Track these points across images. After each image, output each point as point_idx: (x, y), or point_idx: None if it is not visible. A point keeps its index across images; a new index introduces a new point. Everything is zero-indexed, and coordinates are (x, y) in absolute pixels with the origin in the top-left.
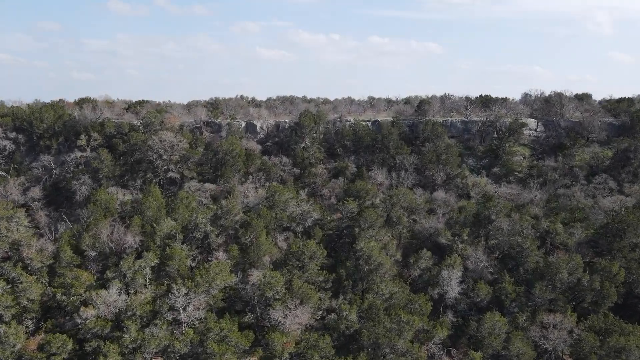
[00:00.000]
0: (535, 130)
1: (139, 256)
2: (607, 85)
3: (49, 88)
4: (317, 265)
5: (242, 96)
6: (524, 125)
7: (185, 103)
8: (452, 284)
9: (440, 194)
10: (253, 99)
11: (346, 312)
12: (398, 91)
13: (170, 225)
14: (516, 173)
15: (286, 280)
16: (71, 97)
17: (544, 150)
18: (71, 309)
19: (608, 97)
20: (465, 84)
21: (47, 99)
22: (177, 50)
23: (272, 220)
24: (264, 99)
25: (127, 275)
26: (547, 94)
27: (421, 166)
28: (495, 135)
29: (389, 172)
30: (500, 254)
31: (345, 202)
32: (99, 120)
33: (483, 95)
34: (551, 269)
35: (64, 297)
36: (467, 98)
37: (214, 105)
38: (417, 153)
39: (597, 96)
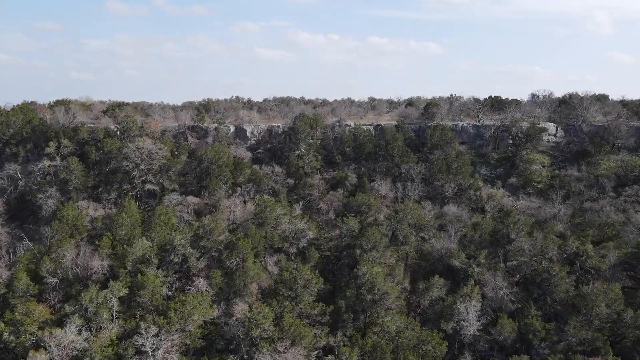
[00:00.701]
0: (555, 135)
1: (105, 284)
2: (607, 85)
3: (49, 88)
4: (312, 295)
5: (237, 97)
6: (543, 130)
7: (180, 104)
8: (470, 318)
9: (451, 208)
10: (249, 100)
11: (346, 356)
12: (398, 91)
13: (145, 246)
14: (535, 184)
15: (276, 315)
16: (71, 98)
17: (565, 157)
18: (20, 352)
19: (620, 98)
20: (465, 84)
21: (46, 99)
22: (177, 50)
23: (262, 240)
24: (269, 98)
25: (89, 309)
26: (555, 94)
27: (429, 176)
28: (511, 141)
29: (393, 183)
30: (522, 278)
31: (345, 218)
32: (72, 125)
33: (493, 96)
34: (586, 302)
35: (12, 337)
36: (476, 100)
37: (205, 107)
38: (424, 161)
39: None
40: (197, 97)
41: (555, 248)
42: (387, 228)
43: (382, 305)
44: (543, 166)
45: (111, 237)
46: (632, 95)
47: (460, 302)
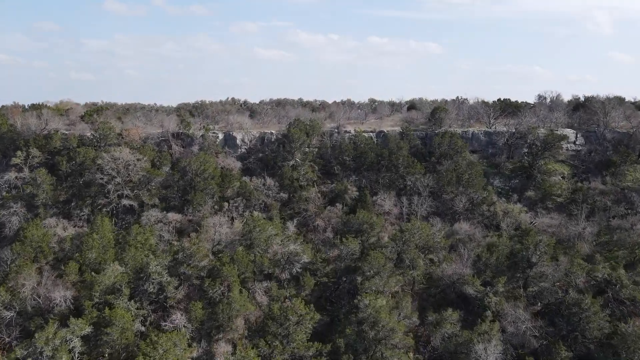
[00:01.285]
0: (574, 143)
1: (70, 318)
2: (607, 85)
3: (48, 88)
4: (306, 333)
5: (233, 99)
6: (563, 137)
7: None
8: None
9: (463, 226)
10: (245, 102)
11: None
12: (398, 91)
13: (116, 273)
14: (555, 197)
15: (264, 357)
16: (70, 98)
17: (587, 168)
18: None
19: (633, 100)
20: (465, 84)
21: (46, 100)
22: (176, 51)
23: (250, 265)
24: (267, 99)
25: (45, 352)
26: (563, 96)
27: (438, 189)
28: (526, 150)
29: (398, 197)
30: (544, 307)
31: (345, 239)
32: (44, 132)
33: (502, 99)
34: (626, 343)
35: None
36: (485, 102)
37: (199, 110)
38: (432, 172)
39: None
40: (197, 98)
41: (583, 275)
42: (391, 251)
43: (387, 344)
44: (563, 177)
45: (81, 261)
46: (634, 95)
47: (478, 341)
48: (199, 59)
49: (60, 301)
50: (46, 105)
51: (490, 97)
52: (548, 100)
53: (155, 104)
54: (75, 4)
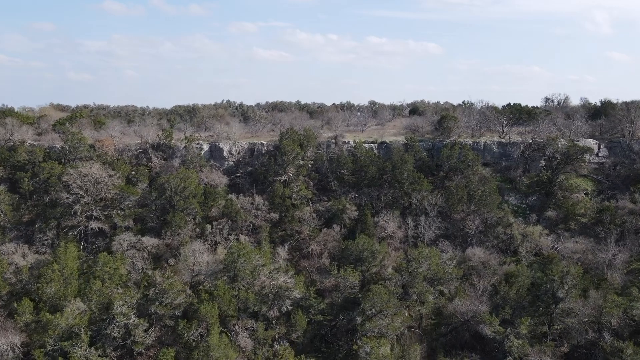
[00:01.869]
0: (597, 154)
1: None
2: (606, 85)
3: (47, 89)
4: None
5: (228, 101)
6: (587, 150)
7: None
8: None
9: (476, 252)
10: (240, 105)
11: None
12: (397, 92)
13: (76, 313)
14: (578, 217)
15: None
16: (68, 99)
17: (613, 184)
18: None
19: None
20: (463, 84)
21: (44, 101)
22: (175, 51)
23: (232, 301)
24: (263, 102)
25: None
26: (571, 99)
27: (447, 208)
28: (545, 163)
29: (402, 217)
30: (572, 350)
31: (343, 270)
32: (9, 144)
33: (512, 104)
34: None
35: None
36: (494, 108)
37: (190, 114)
38: (440, 188)
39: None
40: (195, 99)
41: (619, 313)
42: (396, 284)
43: None
44: (586, 194)
45: (39, 296)
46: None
47: None
48: (197, 60)
49: (6, 349)
50: (14, 111)
51: (490, 98)
52: (555, 102)
53: (148, 106)
54: (74, 4)
